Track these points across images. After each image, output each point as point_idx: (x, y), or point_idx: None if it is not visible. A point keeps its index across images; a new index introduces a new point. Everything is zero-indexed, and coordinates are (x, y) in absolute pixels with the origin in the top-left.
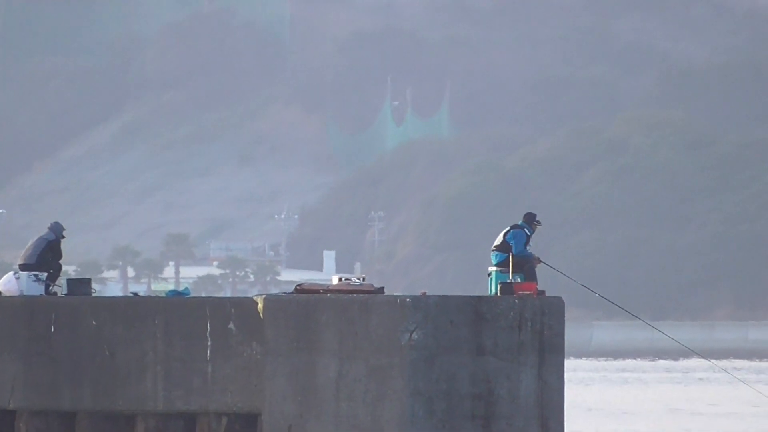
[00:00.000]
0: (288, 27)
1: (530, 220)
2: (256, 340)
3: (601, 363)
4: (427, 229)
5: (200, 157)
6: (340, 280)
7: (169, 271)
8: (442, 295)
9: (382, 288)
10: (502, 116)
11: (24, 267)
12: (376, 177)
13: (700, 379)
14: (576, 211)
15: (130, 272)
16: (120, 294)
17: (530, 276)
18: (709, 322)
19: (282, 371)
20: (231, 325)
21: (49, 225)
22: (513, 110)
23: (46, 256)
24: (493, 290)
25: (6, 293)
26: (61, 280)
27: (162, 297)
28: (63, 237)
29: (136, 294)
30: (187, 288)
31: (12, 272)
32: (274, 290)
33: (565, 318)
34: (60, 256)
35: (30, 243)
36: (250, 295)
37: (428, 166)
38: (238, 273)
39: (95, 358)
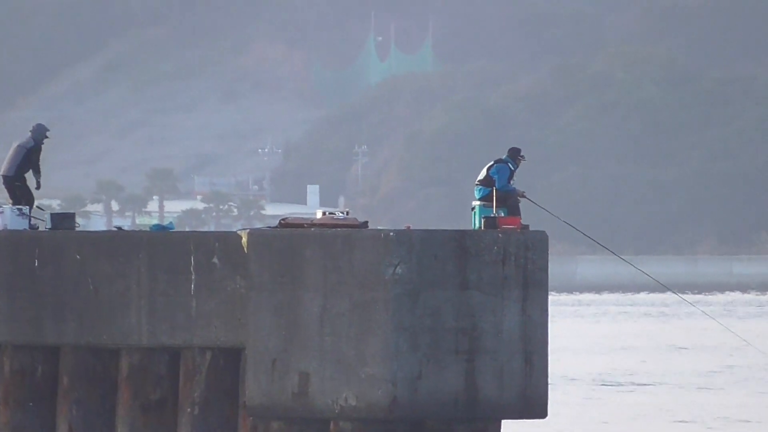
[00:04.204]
0: None
1: (514, 154)
2: (240, 275)
3: (585, 297)
4: (410, 164)
5: (184, 93)
6: (324, 214)
7: (153, 206)
8: (427, 230)
9: (366, 222)
10: (486, 52)
11: (4, 179)
12: (359, 112)
13: (678, 314)
14: (559, 147)
15: (114, 206)
16: (104, 228)
17: (514, 210)
18: (694, 257)
19: (266, 306)
20: (215, 260)
21: (31, 128)
22: (497, 46)
23: (25, 167)
24: (477, 225)
25: None
26: (45, 215)
27: (146, 231)
28: (47, 137)
29: (120, 228)
30: (171, 222)
31: None
32: (258, 225)
33: (549, 252)
34: (37, 160)
35: (10, 151)
36: (234, 230)
37: (412, 101)
38: (222, 207)
39: (79, 293)
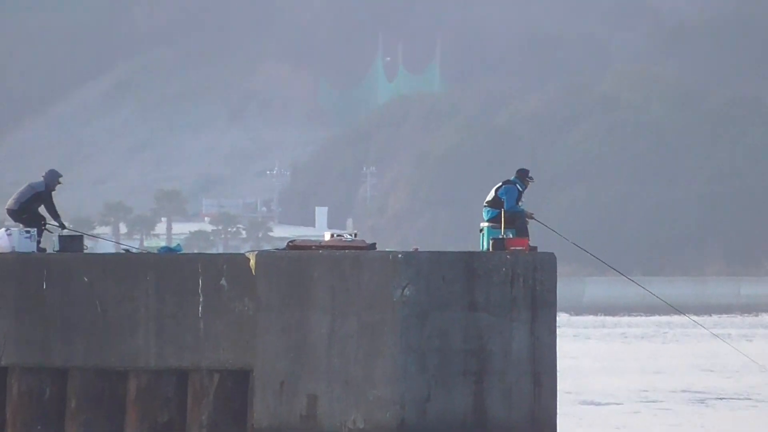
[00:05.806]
0: None
1: (523, 176)
2: (248, 297)
3: (594, 319)
4: (418, 184)
5: (191, 114)
6: (332, 236)
7: (161, 228)
8: (435, 251)
9: (374, 244)
10: (493, 71)
11: (7, 212)
12: (367, 132)
13: (687, 335)
14: (567, 167)
15: (122, 228)
16: (112, 250)
17: (522, 232)
18: (701, 278)
19: (274, 327)
20: (223, 282)
21: (44, 173)
22: (504, 65)
23: (30, 205)
24: (485, 246)
25: None
26: (52, 237)
27: (154, 253)
28: (59, 182)
29: (128, 251)
30: (179, 244)
31: (3, 228)
32: (267, 246)
33: (558, 274)
34: (50, 206)
35: (21, 188)
36: (242, 252)
37: (420, 121)
38: (230, 229)
39: (87, 315)
